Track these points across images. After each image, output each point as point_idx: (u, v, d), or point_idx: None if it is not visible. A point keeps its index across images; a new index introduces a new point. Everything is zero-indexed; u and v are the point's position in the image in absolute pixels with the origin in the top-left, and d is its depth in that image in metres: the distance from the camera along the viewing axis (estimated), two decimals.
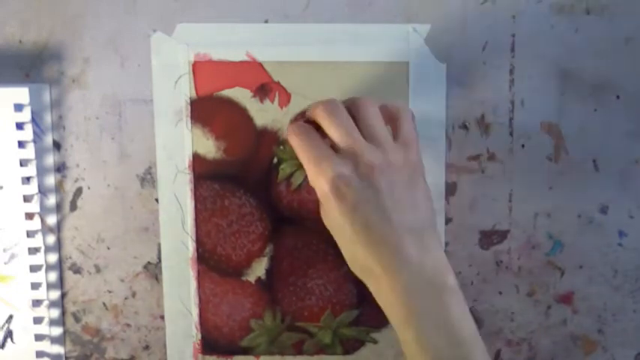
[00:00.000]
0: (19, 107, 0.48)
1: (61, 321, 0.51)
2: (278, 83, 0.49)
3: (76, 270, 0.51)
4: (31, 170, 0.49)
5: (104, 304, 0.51)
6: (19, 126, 0.48)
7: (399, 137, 0.43)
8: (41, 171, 0.49)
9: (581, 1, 0.48)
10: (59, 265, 0.51)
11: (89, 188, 0.50)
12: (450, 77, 0.49)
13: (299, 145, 0.42)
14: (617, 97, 0.49)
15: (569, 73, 0.49)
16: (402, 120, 0.43)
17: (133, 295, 0.51)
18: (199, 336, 0.51)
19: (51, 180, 0.50)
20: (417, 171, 0.42)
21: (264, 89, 0.49)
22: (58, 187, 0.50)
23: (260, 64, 0.49)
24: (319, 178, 0.40)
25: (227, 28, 0.49)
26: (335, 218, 0.40)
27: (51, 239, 0.50)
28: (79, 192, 0.50)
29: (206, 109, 0.49)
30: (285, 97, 0.49)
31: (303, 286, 0.51)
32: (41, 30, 0.49)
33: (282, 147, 0.49)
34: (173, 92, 0.49)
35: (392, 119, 0.43)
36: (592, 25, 0.48)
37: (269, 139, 0.49)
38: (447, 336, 0.38)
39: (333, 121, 0.42)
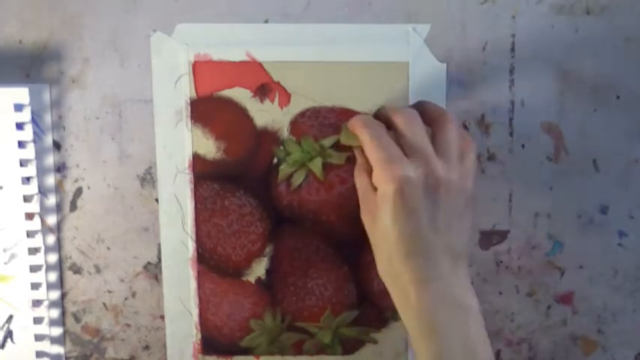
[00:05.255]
0: (19, 107, 0.48)
1: (61, 321, 0.51)
2: (278, 83, 0.49)
3: (76, 270, 0.51)
4: (31, 170, 0.49)
5: (104, 304, 0.51)
6: (19, 126, 0.48)
7: (464, 163, 0.43)
8: (41, 171, 0.49)
9: (581, 1, 0.48)
10: (59, 265, 0.51)
11: (89, 188, 0.50)
12: (450, 77, 0.49)
13: (370, 140, 0.42)
14: (617, 97, 0.49)
15: (569, 73, 0.49)
16: (471, 149, 0.44)
17: (133, 295, 0.51)
18: (199, 336, 0.51)
19: (51, 180, 0.50)
20: (471, 202, 0.43)
21: (264, 89, 0.49)
22: (58, 187, 0.50)
23: (260, 64, 0.49)
24: (386, 178, 0.41)
25: (227, 28, 0.49)
26: (384, 219, 0.41)
27: (51, 239, 0.50)
28: (79, 192, 0.50)
29: (206, 109, 0.49)
30: (285, 97, 0.49)
31: (303, 286, 0.51)
32: (41, 30, 0.49)
33: (282, 147, 0.49)
34: (173, 92, 0.49)
35: (463, 144, 0.44)
36: (592, 25, 0.48)
37: (269, 139, 0.49)
38: (466, 357, 0.39)
39: (412, 129, 0.42)
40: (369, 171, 0.43)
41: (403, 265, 0.40)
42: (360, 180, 0.45)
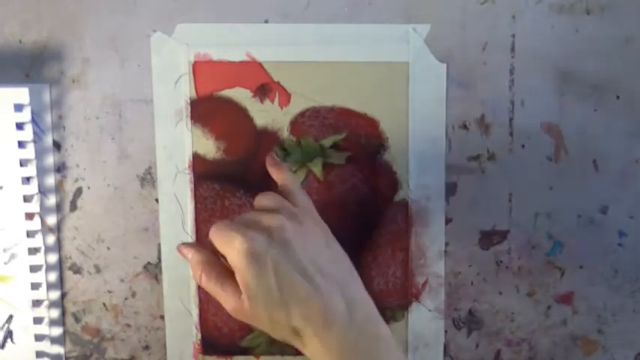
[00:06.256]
0: (19, 107, 0.48)
1: (61, 321, 0.51)
2: (278, 83, 0.49)
3: (76, 270, 0.51)
4: (31, 170, 0.49)
5: (104, 304, 0.51)
6: (19, 126, 0.48)
7: (297, 206, 0.42)
8: (41, 171, 0.49)
9: (581, 1, 0.48)
10: (59, 265, 0.51)
11: (89, 188, 0.50)
12: (450, 77, 0.49)
13: (212, 232, 0.41)
14: (617, 97, 0.49)
15: (569, 73, 0.49)
16: (294, 192, 0.43)
17: (133, 295, 0.51)
18: (199, 336, 0.51)
19: (51, 180, 0.50)
20: (326, 230, 0.42)
21: (264, 89, 0.49)
22: (58, 187, 0.50)
23: (260, 64, 0.49)
24: (233, 252, 0.39)
25: (227, 28, 0.49)
26: (255, 287, 0.38)
27: (51, 239, 0.50)
28: (79, 192, 0.50)
29: (206, 109, 0.49)
30: (285, 97, 0.49)
31: None
32: (41, 30, 0.49)
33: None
34: (173, 92, 0.49)
35: (284, 195, 0.43)
36: (592, 25, 0.48)
37: (269, 139, 0.49)
38: None
39: (259, 200, 0.42)
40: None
41: (294, 317, 0.38)
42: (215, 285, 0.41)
